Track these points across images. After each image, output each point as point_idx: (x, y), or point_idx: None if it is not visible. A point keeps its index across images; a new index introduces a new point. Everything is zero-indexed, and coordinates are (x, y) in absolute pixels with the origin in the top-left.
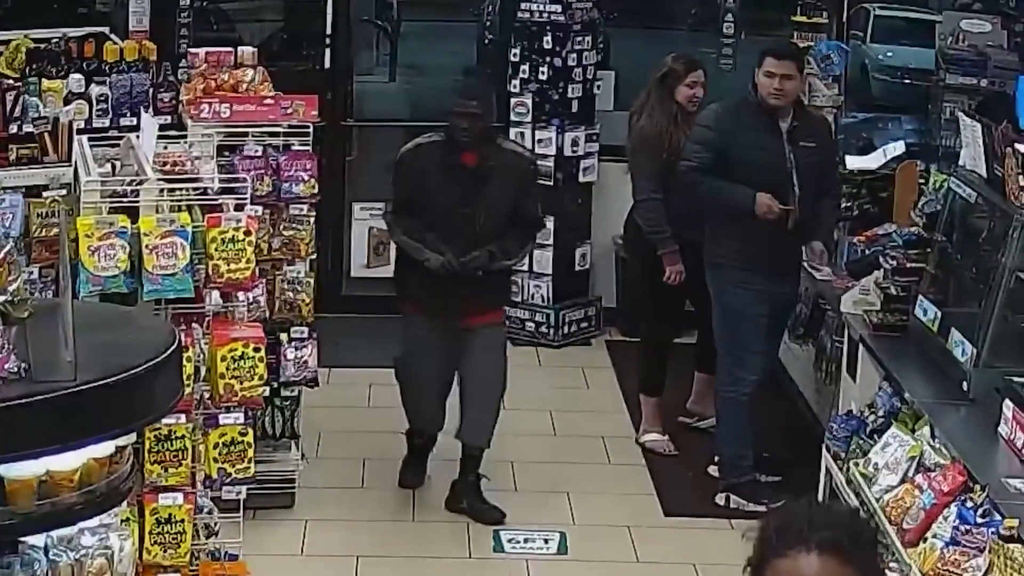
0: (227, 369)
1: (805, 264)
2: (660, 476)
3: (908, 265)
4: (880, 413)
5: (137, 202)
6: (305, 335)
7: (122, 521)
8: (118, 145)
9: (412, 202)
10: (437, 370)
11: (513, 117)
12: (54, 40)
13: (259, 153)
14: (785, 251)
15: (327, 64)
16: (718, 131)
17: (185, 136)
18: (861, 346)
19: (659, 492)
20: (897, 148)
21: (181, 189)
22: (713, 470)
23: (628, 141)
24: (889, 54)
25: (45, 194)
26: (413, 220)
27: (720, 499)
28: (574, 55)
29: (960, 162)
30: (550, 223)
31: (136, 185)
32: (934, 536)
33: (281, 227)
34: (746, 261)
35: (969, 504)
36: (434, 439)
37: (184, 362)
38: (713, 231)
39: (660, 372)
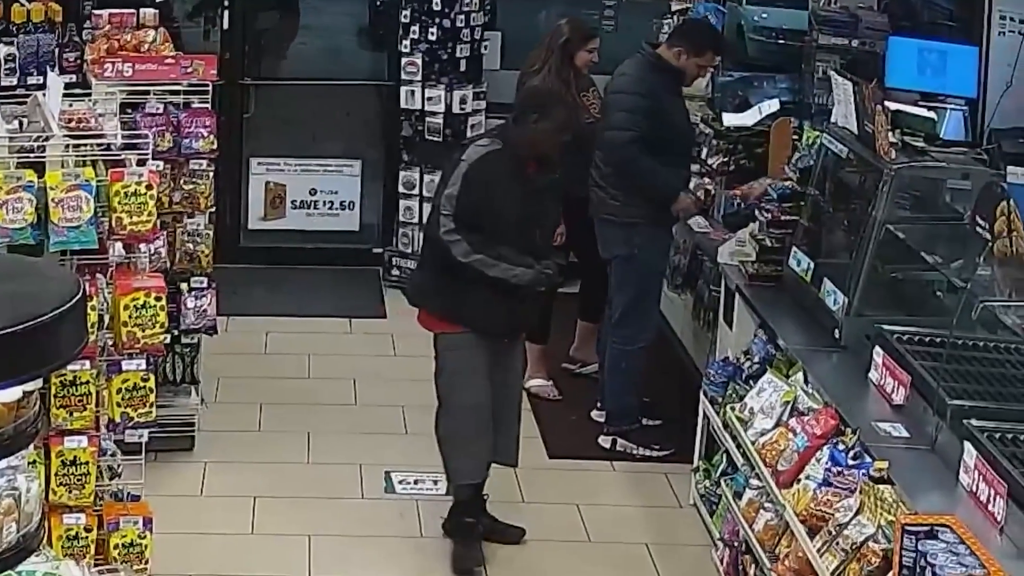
0: (130, 317)
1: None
2: (545, 420)
3: (782, 218)
4: (755, 360)
5: (44, 157)
6: (204, 285)
7: (29, 463)
8: (25, 103)
9: (476, 218)
10: (490, 396)
11: (404, 76)
12: None
13: (160, 111)
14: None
15: (225, 25)
16: (648, 97)
17: (89, 94)
18: (737, 295)
19: (544, 435)
20: (771, 106)
21: (86, 145)
22: (596, 415)
23: (517, 100)
24: (764, 15)
25: None
26: (480, 236)
27: (605, 442)
28: (462, 16)
29: (832, 119)
30: (439, 177)
31: (43, 141)
32: (807, 478)
33: (181, 181)
34: (660, 220)
35: (841, 447)
36: (480, 514)
37: (88, 311)
38: (628, 193)
39: (545, 321)
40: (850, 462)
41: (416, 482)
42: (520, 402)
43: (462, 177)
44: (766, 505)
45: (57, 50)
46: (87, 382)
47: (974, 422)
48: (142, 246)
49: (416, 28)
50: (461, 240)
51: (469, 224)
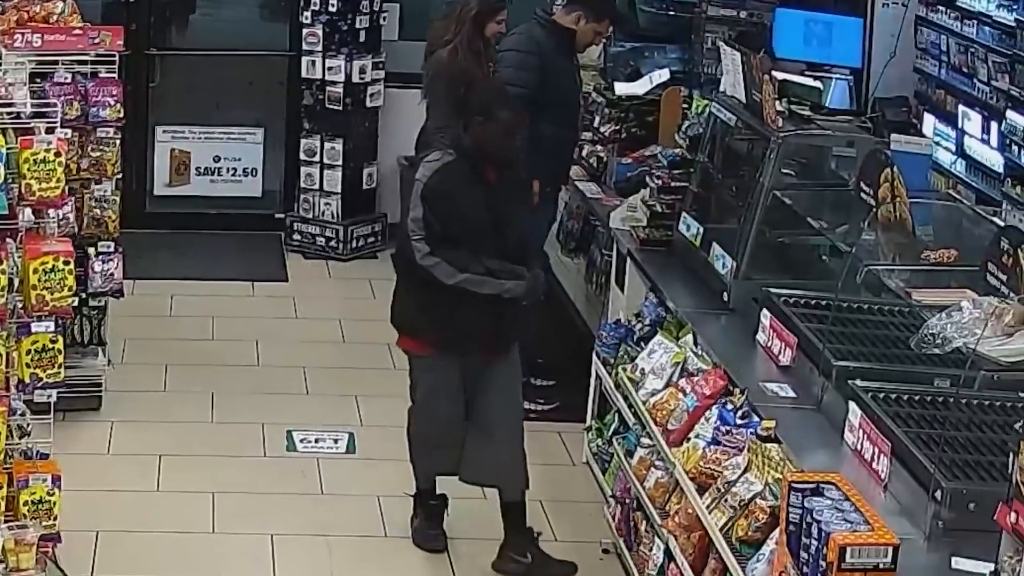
0: (39, 281)
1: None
2: None
3: (672, 184)
4: (646, 322)
5: None
6: (111, 249)
7: None
8: None
9: (449, 234)
10: (461, 413)
11: (305, 47)
12: None
13: (68, 80)
14: None
15: None
16: (537, 55)
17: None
18: (629, 259)
19: None
20: (662, 75)
21: None
22: None
23: (426, 70)
24: None
25: None
26: (460, 253)
27: None
28: None
29: (721, 88)
30: (339, 145)
31: None
32: (696, 436)
33: (89, 149)
34: (556, 181)
35: (729, 406)
36: (447, 501)
37: None
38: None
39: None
40: (738, 421)
41: (317, 441)
42: (520, 424)
43: (421, 198)
44: (657, 463)
45: None
46: None
47: (858, 382)
48: (51, 212)
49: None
50: (441, 262)
51: (444, 243)
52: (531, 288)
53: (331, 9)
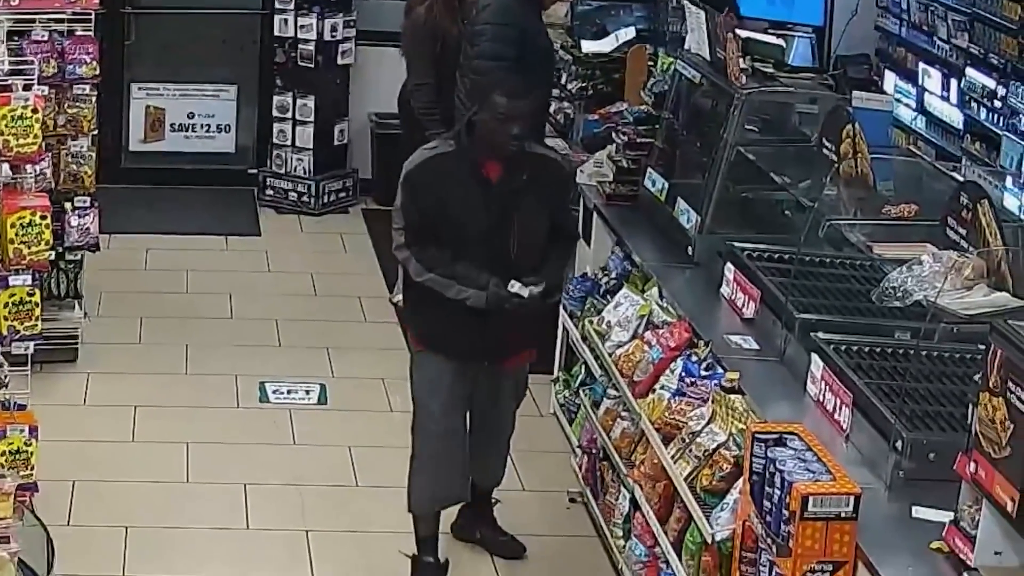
0: (16, 235)
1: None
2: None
3: (638, 140)
4: (612, 275)
5: None
6: (88, 204)
7: None
8: None
9: (430, 229)
10: (463, 420)
11: (277, 5)
12: None
13: (45, 38)
14: None
15: None
16: (515, 24)
17: None
18: (595, 214)
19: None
20: (628, 33)
21: None
22: None
23: (405, 28)
24: None
25: None
26: (434, 251)
27: None
28: None
29: (686, 46)
30: (311, 102)
31: None
32: (662, 388)
33: (65, 106)
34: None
35: (694, 358)
36: (447, 569)
37: None
38: None
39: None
40: (703, 373)
41: (289, 392)
42: (510, 430)
43: (401, 185)
44: (623, 414)
45: None
46: None
47: (820, 335)
48: (28, 167)
49: None
50: (411, 257)
51: (423, 237)
52: (491, 302)
53: None
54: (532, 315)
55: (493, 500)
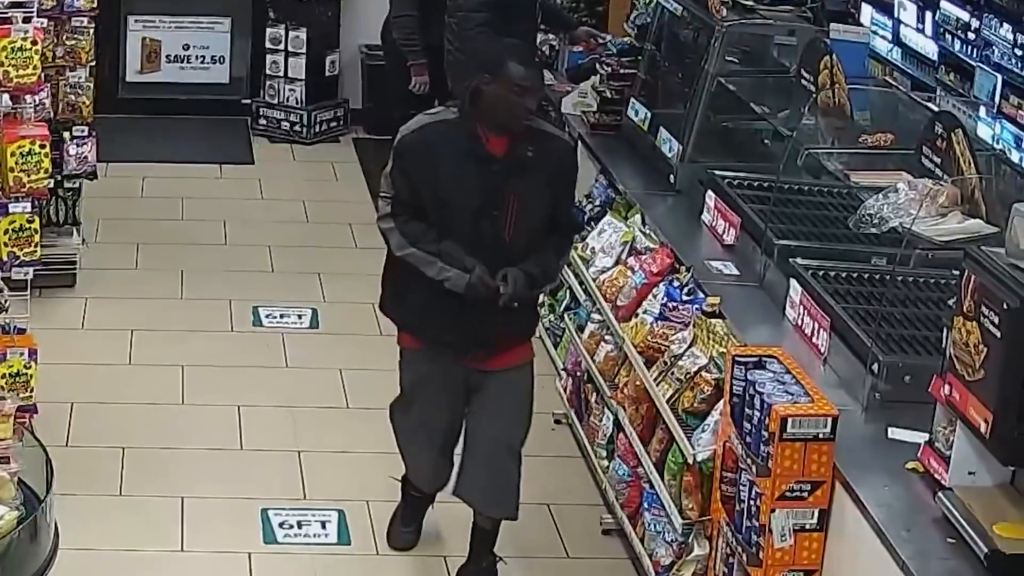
0: (16, 164)
1: None
2: None
3: (621, 71)
4: (597, 203)
5: None
6: (85, 133)
7: None
8: None
9: (419, 202)
10: (446, 420)
11: None
12: None
13: None
14: None
15: None
16: None
17: None
18: (580, 143)
19: None
20: None
21: None
22: None
23: None
24: None
25: None
26: (420, 225)
27: None
28: None
29: None
30: (303, 34)
31: None
32: (644, 312)
33: (64, 37)
34: None
35: (676, 283)
36: (434, 495)
37: None
38: None
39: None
40: (684, 298)
41: (281, 316)
42: (518, 444)
43: (393, 149)
44: (606, 338)
45: None
46: None
47: (799, 260)
48: (27, 97)
49: None
50: (395, 229)
51: (410, 209)
52: (471, 286)
53: None
54: (520, 307)
55: (497, 556)
